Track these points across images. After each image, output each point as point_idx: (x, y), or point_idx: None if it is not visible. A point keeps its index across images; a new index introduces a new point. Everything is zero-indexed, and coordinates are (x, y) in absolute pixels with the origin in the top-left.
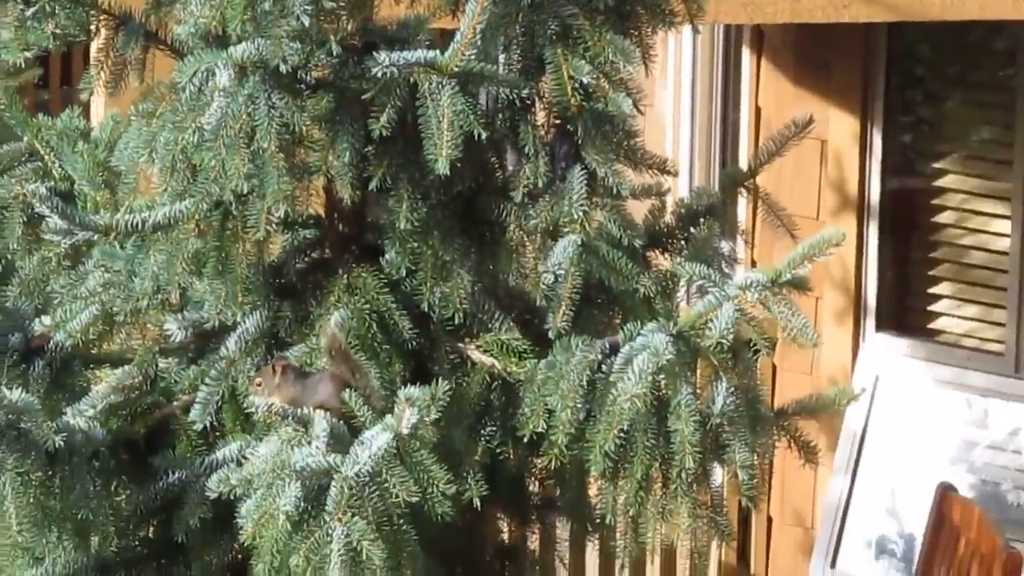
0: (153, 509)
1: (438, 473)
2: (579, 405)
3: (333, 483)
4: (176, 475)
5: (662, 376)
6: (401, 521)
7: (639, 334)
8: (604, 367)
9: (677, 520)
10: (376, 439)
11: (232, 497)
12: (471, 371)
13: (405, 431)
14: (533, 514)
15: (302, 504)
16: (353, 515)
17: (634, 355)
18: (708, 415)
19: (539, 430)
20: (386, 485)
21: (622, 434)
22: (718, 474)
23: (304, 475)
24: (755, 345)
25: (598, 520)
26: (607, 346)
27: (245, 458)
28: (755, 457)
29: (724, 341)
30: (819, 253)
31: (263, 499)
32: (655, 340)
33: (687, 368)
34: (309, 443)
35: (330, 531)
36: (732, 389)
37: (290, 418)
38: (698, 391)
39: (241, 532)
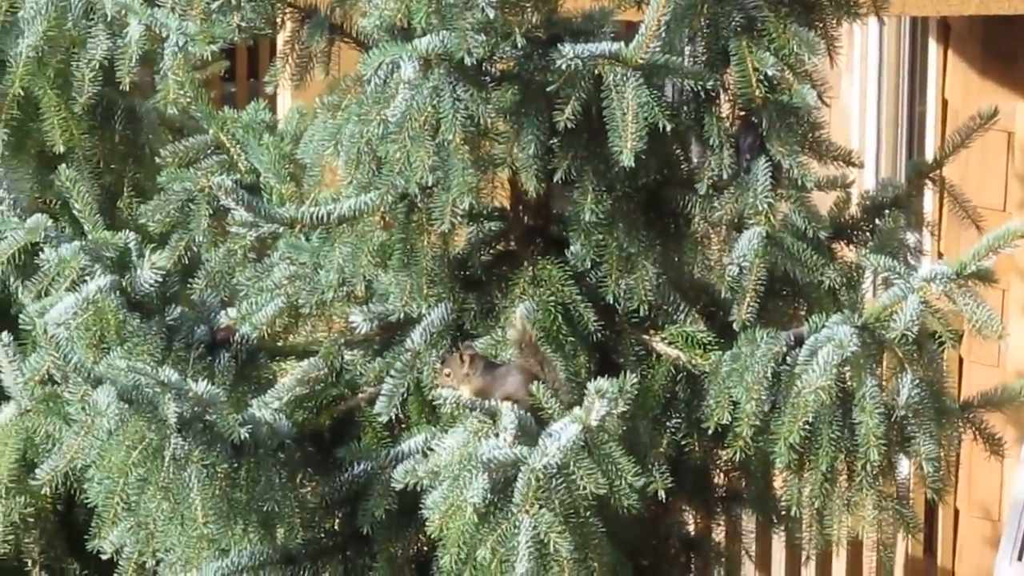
0: (338, 501)
1: (626, 465)
2: (764, 397)
3: (520, 475)
4: (361, 466)
5: (847, 368)
6: (588, 513)
7: (824, 326)
8: (789, 359)
9: (863, 512)
10: (565, 431)
11: (418, 489)
12: (656, 363)
13: (594, 423)
14: (718, 506)
15: (489, 496)
16: (540, 507)
17: (819, 347)
18: (893, 407)
19: (724, 422)
20: (573, 477)
21: (807, 426)
22: (904, 466)
23: (491, 467)
24: (940, 337)
25: (783, 512)
26: (792, 338)
27: (431, 449)
28: (940, 450)
29: (909, 333)
30: (1005, 245)
31: (450, 491)
32: (840, 332)
33: (872, 360)
34: (496, 435)
35: (517, 523)
36: (917, 381)
37: (478, 410)
38: (883, 383)
39: (427, 524)
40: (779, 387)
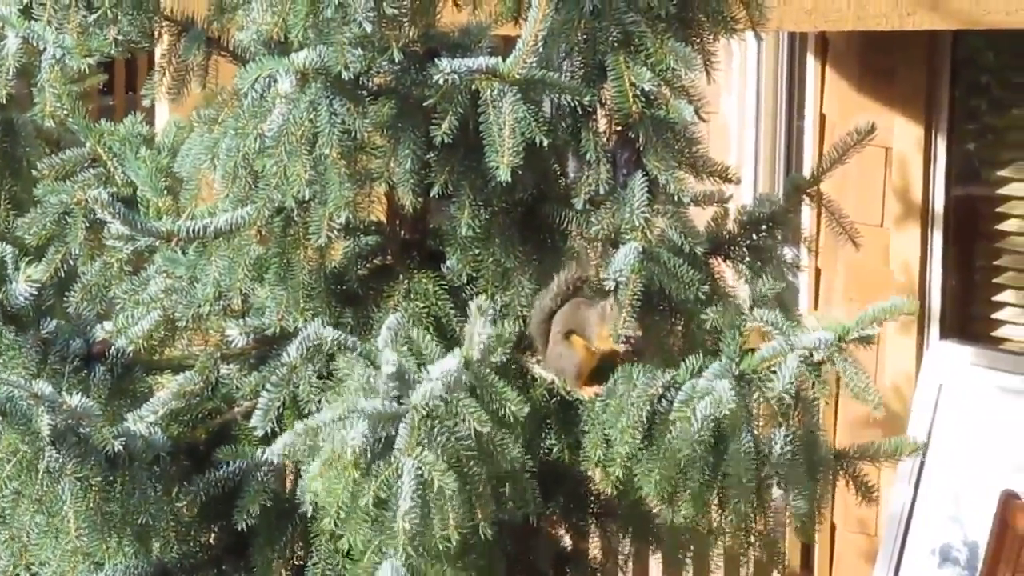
0: (214, 502)
1: (509, 395)
2: (638, 441)
3: (403, 417)
4: (237, 463)
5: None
6: (472, 462)
7: (702, 368)
8: (664, 399)
9: (735, 540)
10: (446, 363)
11: (294, 491)
12: (531, 386)
13: (476, 355)
14: (594, 522)
15: (370, 439)
16: (423, 449)
17: (696, 399)
18: (766, 458)
19: (598, 459)
20: (456, 415)
21: (678, 471)
22: (777, 493)
23: (373, 416)
24: (816, 394)
25: (658, 532)
26: (668, 378)
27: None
28: (812, 502)
29: (786, 396)
30: (889, 318)
31: (330, 440)
32: (718, 387)
33: (748, 414)
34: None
35: (400, 467)
36: (790, 437)
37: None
38: (758, 429)
39: (309, 518)
40: (653, 425)
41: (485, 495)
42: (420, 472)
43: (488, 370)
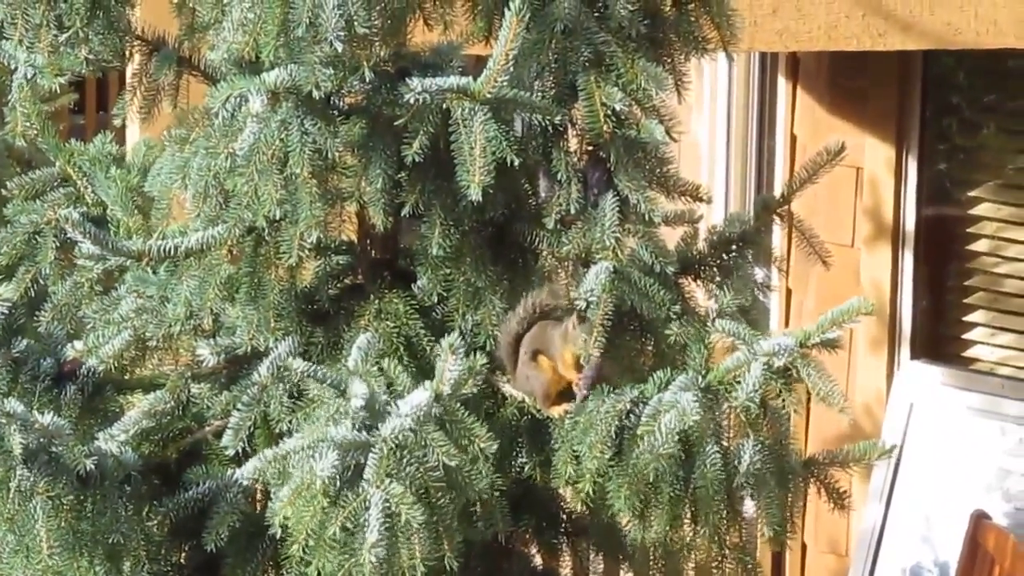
0: (184, 521)
1: (479, 431)
2: (607, 456)
3: (372, 447)
4: (207, 484)
5: (690, 428)
6: (440, 494)
7: (668, 383)
8: (632, 415)
9: (707, 555)
10: (415, 398)
11: (264, 511)
12: (501, 405)
13: (446, 390)
14: (565, 540)
15: (339, 470)
16: (391, 481)
17: (662, 413)
18: (735, 470)
19: (568, 476)
20: (425, 447)
21: (648, 485)
22: (749, 505)
23: (343, 446)
24: (784, 403)
25: (630, 550)
26: (636, 395)
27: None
28: (783, 512)
29: (752, 404)
30: (848, 320)
31: (299, 470)
32: (683, 399)
33: (715, 426)
34: (347, 417)
35: (368, 499)
36: (758, 447)
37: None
38: (726, 442)
39: (274, 516)
40: (622, 440)
41: (452, 527)
42: (388, 504)
43: (458, 404)
